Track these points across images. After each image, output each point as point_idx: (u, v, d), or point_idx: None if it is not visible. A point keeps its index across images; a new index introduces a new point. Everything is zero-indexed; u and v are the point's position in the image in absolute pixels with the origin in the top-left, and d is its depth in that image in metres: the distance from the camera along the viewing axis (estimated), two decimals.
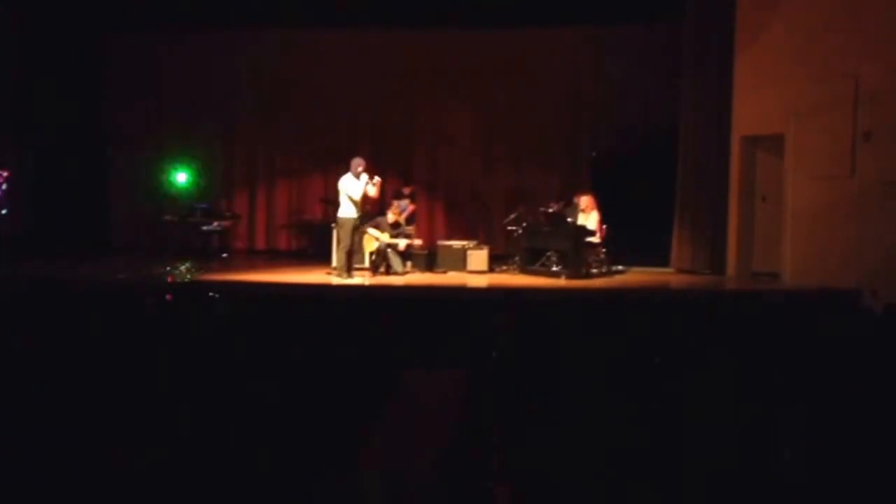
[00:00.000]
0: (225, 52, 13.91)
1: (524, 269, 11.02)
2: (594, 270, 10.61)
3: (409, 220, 11.71)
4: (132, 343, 5.11)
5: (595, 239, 10.64)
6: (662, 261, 11.87)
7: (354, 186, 10.03)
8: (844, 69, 9.56)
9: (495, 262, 11.46)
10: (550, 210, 11.11)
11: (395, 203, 11.44)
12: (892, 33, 9.18)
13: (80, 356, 4.74)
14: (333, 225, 10.90)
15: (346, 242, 10.08)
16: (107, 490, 3.18)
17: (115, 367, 4.50)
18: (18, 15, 12.71)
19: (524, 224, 11.23)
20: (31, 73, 12.94)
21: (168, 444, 3.50)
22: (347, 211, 10.06)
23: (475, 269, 11.16)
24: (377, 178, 10.25)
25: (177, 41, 13.93)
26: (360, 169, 10.08)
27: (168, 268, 10.57)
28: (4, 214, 12.76)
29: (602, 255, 10.89)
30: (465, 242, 11.57)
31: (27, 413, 3.84)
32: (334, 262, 10.75)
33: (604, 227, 10.84)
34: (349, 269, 10.11)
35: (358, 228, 10.20)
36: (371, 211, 10.88)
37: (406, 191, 12.29)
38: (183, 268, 10.71)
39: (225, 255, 12.65)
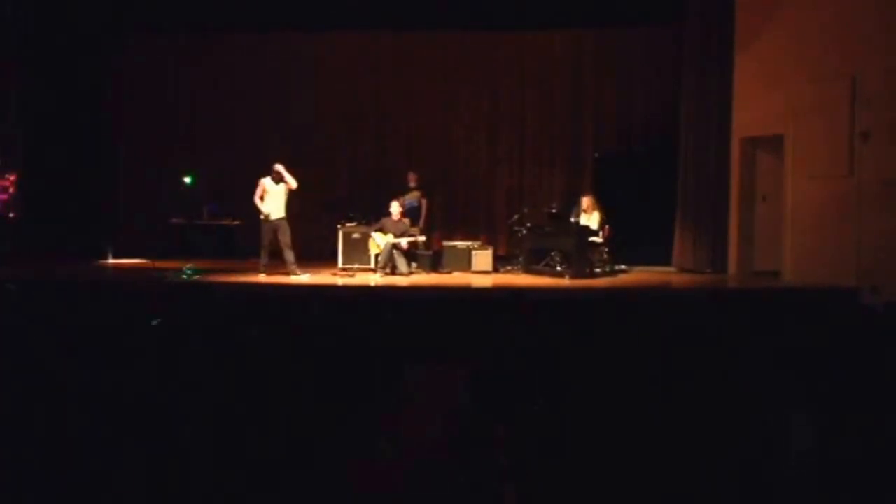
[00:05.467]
0: (229, 55, 14.04)
1: (528, 270, 11.13)
2: (597, 270, 10.70)
3: (415, 215, 11.65)
4: (135, 343, 5.16)
5: (598, 239, 10.76)
6: (664, 260, 11.99)
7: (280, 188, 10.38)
8: (842, 70, 9.68)
9: (500, 263, 11.58)
10: (553, 210, 11.22)
11: (401, 199, 11.36)
12: (889, 34, 9.29)
13: (83, 357, 4.79)
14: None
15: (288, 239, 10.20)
16: (107, 490, 3.22)
17: (117, 367, 4.55)
18: (29, 16, 12.80)
19: (528, 224, 11.34)
20: (38, 75, 13.02)
21: (175, 442, 3.54)
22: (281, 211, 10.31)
23: (480, 270, 11.27)
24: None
25: (184, 44, 14.07)
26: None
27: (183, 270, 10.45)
28: (12, 217, 12.86)
29: (605, 255, 11.01)
30: (469, 243, 11.68)
31: (28, 414, 3.85)
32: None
33: (607, 226, 10.95)
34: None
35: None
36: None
37: (412, 182, 12.10)
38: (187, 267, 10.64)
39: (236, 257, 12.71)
